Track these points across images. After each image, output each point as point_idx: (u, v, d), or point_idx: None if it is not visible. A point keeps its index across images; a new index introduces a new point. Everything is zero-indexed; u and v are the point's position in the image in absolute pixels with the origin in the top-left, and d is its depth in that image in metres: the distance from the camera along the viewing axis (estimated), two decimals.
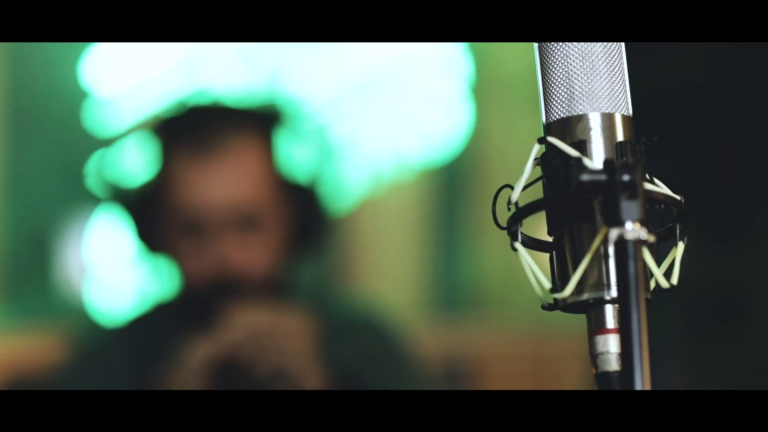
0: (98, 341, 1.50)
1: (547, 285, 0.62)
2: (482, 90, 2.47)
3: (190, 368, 1.25)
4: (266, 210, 1.35)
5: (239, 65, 2.28)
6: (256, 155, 1.36)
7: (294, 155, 1.40)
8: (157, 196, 1.36)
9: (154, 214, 1.37)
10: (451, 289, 2.60)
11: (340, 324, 1.44)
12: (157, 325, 1.42)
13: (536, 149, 0.64)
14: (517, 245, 0.63)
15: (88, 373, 1.41)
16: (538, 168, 0.66)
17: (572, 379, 2.54)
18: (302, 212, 1.38)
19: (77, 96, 2.39)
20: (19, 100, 2.43)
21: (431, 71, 2.39)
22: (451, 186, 2.58)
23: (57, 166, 2.50)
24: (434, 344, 2.15)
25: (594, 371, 0.63)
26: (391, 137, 2.44)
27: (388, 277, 2.55)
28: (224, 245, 1.32)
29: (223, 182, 1.33)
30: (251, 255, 1.33)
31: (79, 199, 2.49)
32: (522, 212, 0.63)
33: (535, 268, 0.62)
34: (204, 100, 1.45)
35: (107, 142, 2.43)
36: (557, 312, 0.64)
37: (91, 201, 2.47)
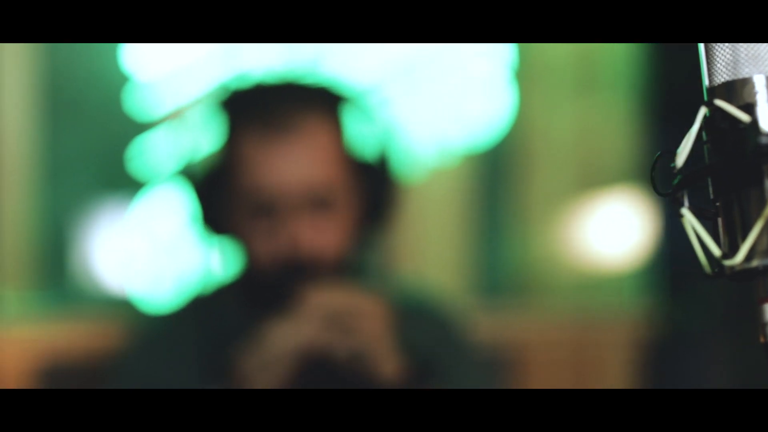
0: (156, 326, 1.48)
1: (717, 252, 0.61)
2: (525, 74, 2.45)
3: (272, 352, 1.24)
4: (338, 190, 1.33)
5: (282, 48, 2.27)
6: (327, 134, 1.34)
7: (363, 134, 1.38)
8: (225, 176, 1.34)
9: (221, 194, 1.35)
10: (494, 274, 2.59)
11: (405, 307, 1.42)
12: (222, 308, 1.41)
13: (702, 113, 0.63)
14: (684, 211, 0.62)
15: (153, 358, 1.40)
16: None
17: (614, 366, 2.54)
18: (372, 192, 1.37)
19: (118, 80, 2.39)
20: (59, 84, 2.42)
21: (474, 55, 2.38)
22: (493, 171, 2.58)
23: (98, 151, 2.49)
24: (479, 331, 2.15)
25: (762, 340, 0.62)
26: (433, 122, 2.42)
27: (431, 262, 2.54)
28: (296, 226, 1.30)
29: (295, 162, 1.31)
30: (324, 236, 1.31)
31: (120, 183, 2.49)
32: (689, 178, 0.62)
33: (704, 233, 0.61)
34: (271, 77, 1.41)
35: (149, 127, 2.44)
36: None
37: (134, 185, 2.47)
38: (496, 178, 2.58)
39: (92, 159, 2.49)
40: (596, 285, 2.58)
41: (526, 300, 2.57)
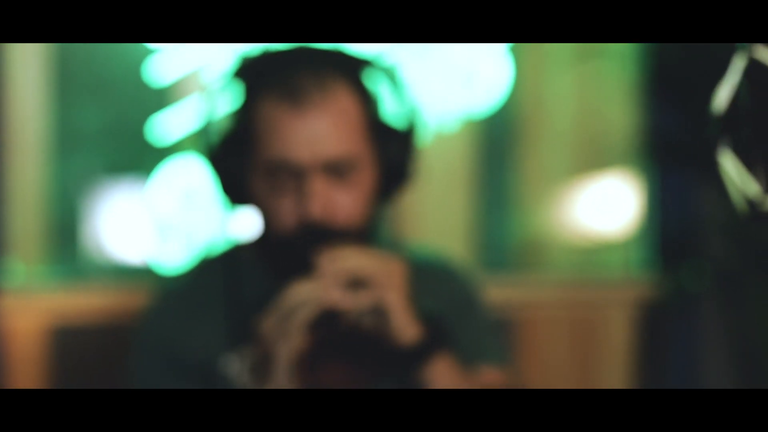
0: (178, 288, 1.47)
1: (755, 192, 0.61)
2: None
3: (292, 315, 1.25)
4: (360, 157, 1.32)
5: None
6: (349, 100, 1.32)
7: (386, 98, 1.36)
8: (245, 144, 1.33)
9: (241, 162, 1.34)
10: (497, 242, 2.63)
11: (423, 270, 1.44)
12: (242, 274, 1.42)
13: (740, 62, 0.64)
14: (723, 152, 0.62)
15: (178, 318, 1.41)
16: None
17: (615, 326, 2.59)
18: (394, 158, 1.35)
19: (136, 50, 2.40)
20: (74, 55, 2.43)
21: None
22: (494, 138, 2.61)
23: (115, 122, 2.51)
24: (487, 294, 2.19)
25: None
26: (434, 89, 2.46)
27: (433, 228, 2.58)
28: (317, 194, 1.29)
29: (317, 129, 1.29)
30: (344, 204, 1.31)
31: (138, 155, 2.52)
32: (728, 124, 0.63)
33: (742, 174, 0.62)
34: (291, 46, 1.37)
35: (167, 97, 2.46)
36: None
37: (152, 156, 2.50)
38: (497, 146, 2.61)
39: (109, 130, 2.52)
40: (597, 251, 2.64)
41: (529, 266, 2.62)
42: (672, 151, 2.71)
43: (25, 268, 2.47)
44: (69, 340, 2.46)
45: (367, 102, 1.35)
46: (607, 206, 2.64)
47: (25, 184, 2.48)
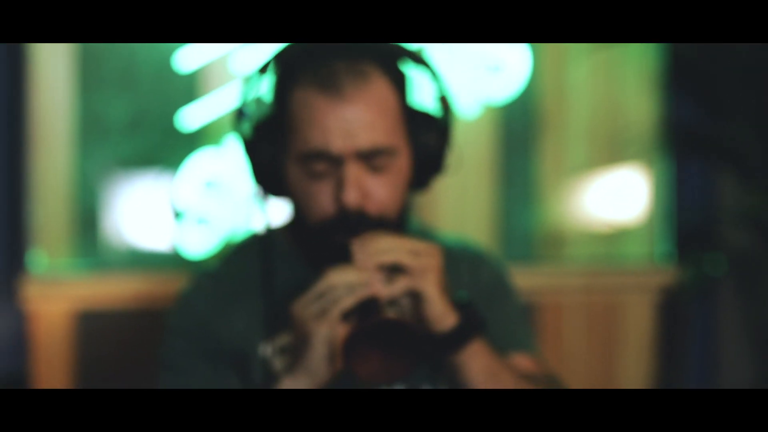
0: (216, 273, 1.46)
1: None
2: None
3: (328, 301, 1.24)
4: (396, 145, 1.31)
5: None
6: (385, 89, 1.31)
7: (420, 89, 1.35)
8: (281, 131, 1.33)
9: (276, 149, 1.34)
10: (517, 232, 2.64)
11: (458, 257, 1.45)
12: (278, 261, 1.41)
13: None
14: None
15: (215, 302, 1.41)
16: None
17: (638, 308, 2.60)
18: (429, 147, 1.34)
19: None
20: (102, 45, 2.43)
21: None
22: (515, 125, 2.61)
23: (147, 110, 2.52)
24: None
25: None
26: (458, 76, 2.47)
27: (454, 217, 2.59)
28: (354, 182, 1.29)
29: (353, 118, 1.28)
30: (381, 192, 1.31)
31: (165, 143, 2.53)
32: None
33: None
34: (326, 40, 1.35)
35: (196, 86, 2.48)
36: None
37: (180, 145, 2.51)
38: (519, 136, 2.61)
39: (135, 120, 2.52)
40: (618, 239, 2.65)
41: (551, 256, 2.64)
42: (691, 141, 2.71)
43: (51, 256, 2.49)
44: (93, 325, 2.48)
45: (403, 91, 1.33)
46: (627, 195, 2.64)
47: (51, 174, 2.49)
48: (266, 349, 1.36)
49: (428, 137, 1.35)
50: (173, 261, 2.51)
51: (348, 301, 1.23)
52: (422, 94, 1.37)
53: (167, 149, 2.51)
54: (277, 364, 1.36)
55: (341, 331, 1.23)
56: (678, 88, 2.67)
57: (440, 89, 1.37)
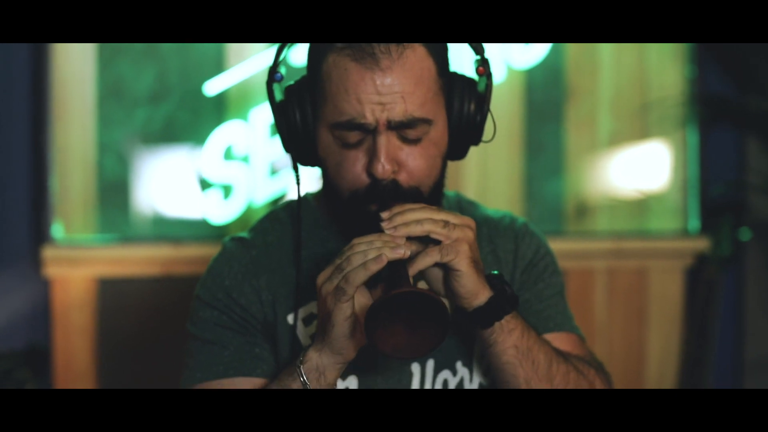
0: (246, 242, 1.43)
1: None
2: None
3: (356, 271, 1.18)
4: (433, 115, 1.28)
5: None
6: (423, 59, 1.27)
7: (458, 57, 1.35)
8: (314, 99, 1.30)
9: (310, 117, 1.31)
10: (547, 203, 2.63)
11: (492, 228, 1.43)
12: (308, 230, 1.40)
13: None
14: None
15: (246, 270, 1.39)
16: None
17: (668, 273, 2.60)
18: (466, 117, 1.32)
19: None
20: None
21: None
22: (544, 99, 2.61)
23: (173, 81, 2.52)
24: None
25: None
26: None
27: (483, 187, 2.58)
28: (388, 152, 1.26)
29: (390, 87, 1.25)
30: (416, 161, 1.28)
31: (191, 115, 2.53)
32: None
33: None
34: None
35: (223, 57, 2.47)
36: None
37: (206, 116, 2.51)
38: (548, 107, 2.61)
39: (161, 91, 2.52)
40: (646, 205, 2.66)
41: (580, 226, 2.62)
42: (718, 111, 2.70)
43: (73, 225, 2.50)
44: (115, 289, 2.50)
45: (442, 60, 1.30)
46: (655, 165, 2.64)
47: (77, 143, 2.49)
48: (294, 320, 1.34)
49: (466, 107, 1.32)
50: (194, 228, 2.51)
51: (360, 277, 1.18)
52: (461, 63, 1.32)
53: (193, 120, 2.51)
54: (304, 334, 1.34)
55: (363, 302, 1.20)
56: (706, 58, 2.66)
57: (479, 57, 1.34)
